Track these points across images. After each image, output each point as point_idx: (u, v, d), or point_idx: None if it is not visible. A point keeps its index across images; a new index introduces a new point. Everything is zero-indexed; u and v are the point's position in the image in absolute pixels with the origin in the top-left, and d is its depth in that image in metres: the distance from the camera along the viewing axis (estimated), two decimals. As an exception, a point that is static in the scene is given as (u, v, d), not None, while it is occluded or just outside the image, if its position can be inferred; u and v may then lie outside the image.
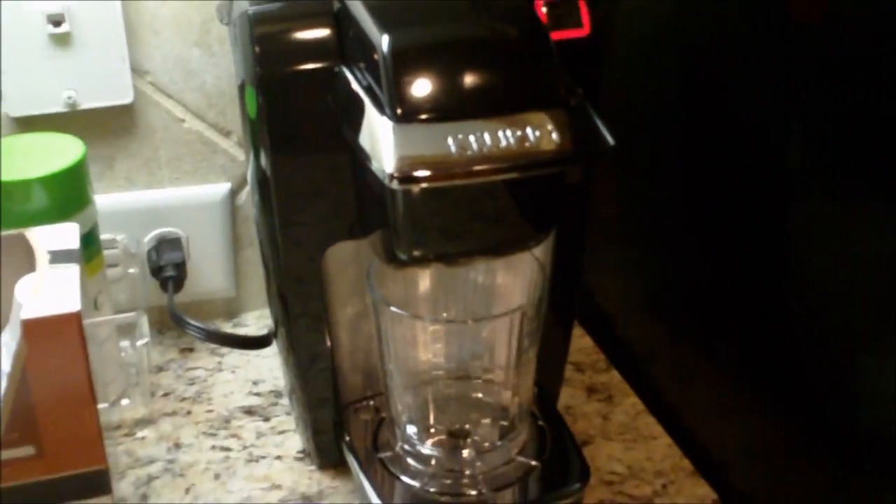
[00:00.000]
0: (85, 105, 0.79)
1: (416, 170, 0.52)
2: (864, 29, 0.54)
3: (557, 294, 0.70)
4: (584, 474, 0.66)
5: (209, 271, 0.86)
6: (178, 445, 0.74)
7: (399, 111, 0.53)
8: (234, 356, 0.84)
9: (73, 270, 0.63)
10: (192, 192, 0.84)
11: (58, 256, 0.64)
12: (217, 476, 0.72)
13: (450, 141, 0.52)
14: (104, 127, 0.80)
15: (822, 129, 0.58)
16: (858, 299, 0.57)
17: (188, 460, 0.73)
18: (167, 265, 0.82)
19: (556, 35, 0.61)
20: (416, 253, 0.58)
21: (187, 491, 0.70)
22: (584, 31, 0.63)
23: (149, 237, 0.84)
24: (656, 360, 0.81)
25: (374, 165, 0.53)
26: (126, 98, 0.79)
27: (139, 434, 0.76)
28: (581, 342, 0.86)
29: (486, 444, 0.67)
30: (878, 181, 0.54)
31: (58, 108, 0.78)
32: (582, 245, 0.70)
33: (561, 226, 0.67)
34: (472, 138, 0.52)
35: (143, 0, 0.77)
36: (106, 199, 0.81)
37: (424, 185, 0.52)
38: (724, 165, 0.69)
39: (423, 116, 0.53)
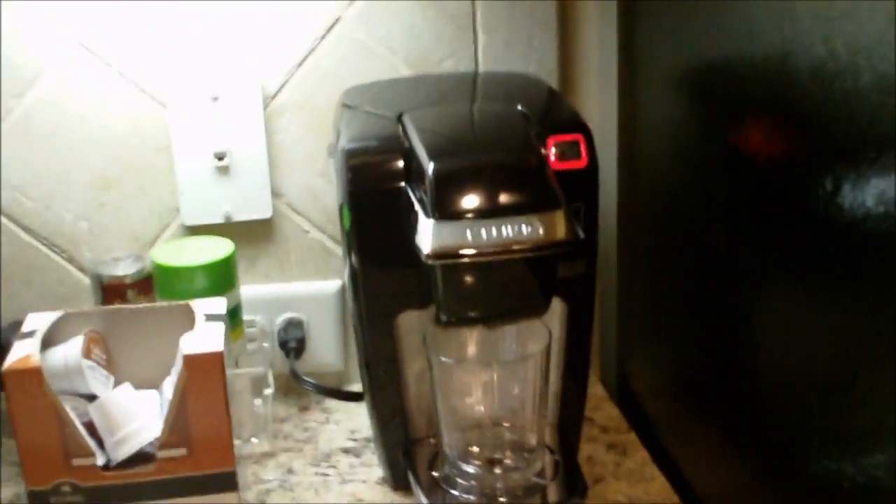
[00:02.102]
0: (237, 218, 1.07)
1: (444, 251, 0.77)
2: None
3: (572, 358, 0.93)
4: (583, 492, 0.88)
5: (323, 349, 1.12)
6: (290, 471, 0.99)
7: (437, 214, 0.78)
8: (339, 413, 1.09)
9: (220, 327, 0.89)
10: (313, 286, 1.11)
11: (210, 318, 0.91)
12: (316, 491, 0.96)
13: (468, 233, 0.77)
14: (250, 234, 1.08)
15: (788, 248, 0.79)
16: (807, 379, 0.76)
17: (296, 481, 0.98)
18: (291, 339, 1.09)
19: (561, 165, 0.86)
20: (450, 316, 0.83)
21: (293, 500, 0.95)
22: (582, 163, 0.87)
23: (279, 319, 1.11)
24: (665, 425, 1.02)
25: (420, 251, 0.78)
26: (267, 214, 1.08)
27: (263, 463, 1.01)
28: (612, 413, 1.08)
29: (512, 467, 0.89)
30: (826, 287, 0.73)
31: (218, 219, 1.07)
32: (590, 320, 0.92)
33: (570, 303, 0.90)
34: (482, 231, 0.77)
35: (281, 141, 1.06)
36: (249, 289, 1.08)
37: (448, 261, 0.77)
38: (721, 276, 0.91)
39: (452, 218, 0.78)
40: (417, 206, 0.80)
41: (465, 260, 0.78)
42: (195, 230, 1.07)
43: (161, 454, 0.87)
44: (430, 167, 0.80)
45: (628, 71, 1.04)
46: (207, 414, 0.87)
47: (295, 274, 1.10)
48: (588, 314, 0.93)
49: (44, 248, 1.07)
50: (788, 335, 0.77)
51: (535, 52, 1.08)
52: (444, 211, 0.78)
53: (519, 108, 0.88)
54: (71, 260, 1.08)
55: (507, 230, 0.77)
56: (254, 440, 1.03)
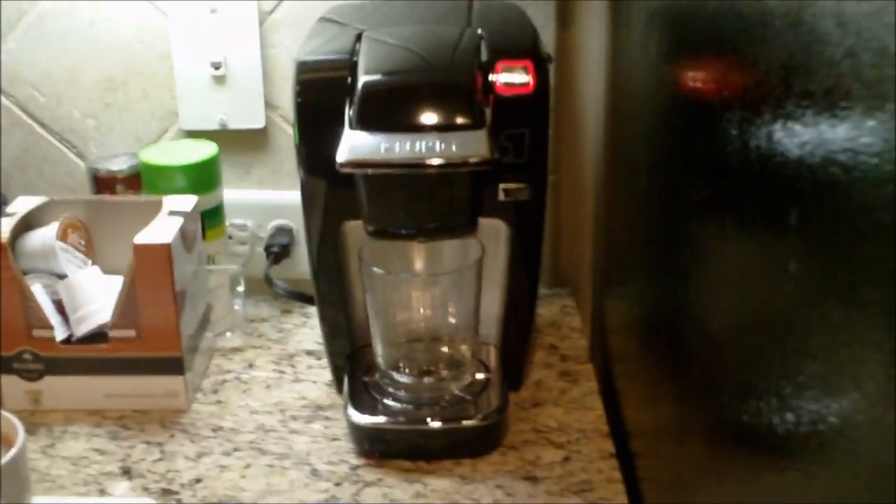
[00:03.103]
0: (232, 126, 1.12)
1: (355, 161, 0.80)
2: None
3: (516, 281, 0.95)
4: (502, 409, 0.90)
5: (311, 257, 1.17)
6: (251, 366, 1.05)
7: (357, 125, 0.81)
8: (317, 319, 1.13)
9: (177, 221, 0.95)
10: (304, 196, 1.15)
11: (173, 213, 0.97)
12: (268, 387, 1.01)
13: (381, 146, 0.80)
14: (244, 143, 1.14)
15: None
16: (743, 332, 0.76)
17: (254, 375, 1.03)
18: (275, 245, 1.14)
19: (507, 90, 0.87)
20: (374, 227, 0.86)
21: (244, 392, 1.00)
22: (529, 87, 0.88)
23: (270, 225, 1.16)
24: (619, 360, 1.03)
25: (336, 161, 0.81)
26: (260, 124, 1.13)
27: (229, 356, 1.07)
28: (579, 343, 1.09)
29: (440, 380, 0.92)
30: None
31: (213, 126, 1.12)
32: (538, 246, 0.94)
33: (515, 227, 0.92)
34: (396, 145, 0.80)
35: (276, 55, 1.11)
36: (242, 195, 1.14)
37: (357, 170, 0.80)
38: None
39: (370, 129, 0.81)
40: (346, 120, 0.84)
41: (373, 170, 0.81)
42: (193, 135, 1.13)
43: (112, 334, 0.94)
44: (360, 81, 0.83)
45: (618, 5, 1.04)
46: (155, 301, 0.93)
47: (287, 183, 1.15)
48: (536, 240, 0.94)
49: (55, 142, 1.15)
50: (733, 283, 0.77)
51: (533, -16, 1.09)
52: (363, 122, 0.82)
53: (479, 32, 0.90)
54: (79, 155, 1.15)
55: (421, 146, 0.80)
56: (228, 335, 1.09)
